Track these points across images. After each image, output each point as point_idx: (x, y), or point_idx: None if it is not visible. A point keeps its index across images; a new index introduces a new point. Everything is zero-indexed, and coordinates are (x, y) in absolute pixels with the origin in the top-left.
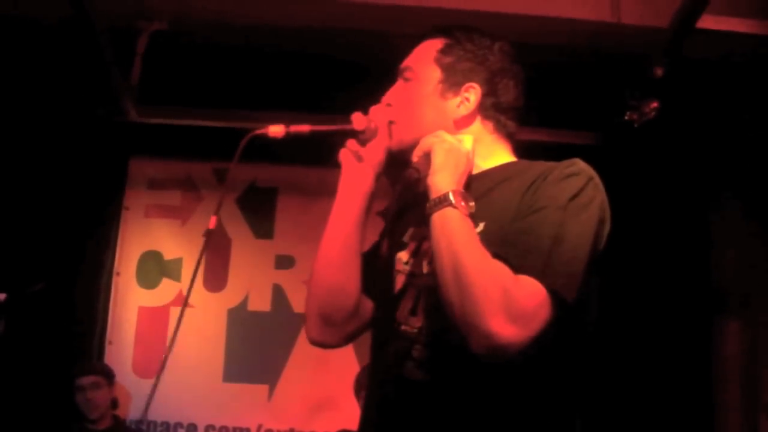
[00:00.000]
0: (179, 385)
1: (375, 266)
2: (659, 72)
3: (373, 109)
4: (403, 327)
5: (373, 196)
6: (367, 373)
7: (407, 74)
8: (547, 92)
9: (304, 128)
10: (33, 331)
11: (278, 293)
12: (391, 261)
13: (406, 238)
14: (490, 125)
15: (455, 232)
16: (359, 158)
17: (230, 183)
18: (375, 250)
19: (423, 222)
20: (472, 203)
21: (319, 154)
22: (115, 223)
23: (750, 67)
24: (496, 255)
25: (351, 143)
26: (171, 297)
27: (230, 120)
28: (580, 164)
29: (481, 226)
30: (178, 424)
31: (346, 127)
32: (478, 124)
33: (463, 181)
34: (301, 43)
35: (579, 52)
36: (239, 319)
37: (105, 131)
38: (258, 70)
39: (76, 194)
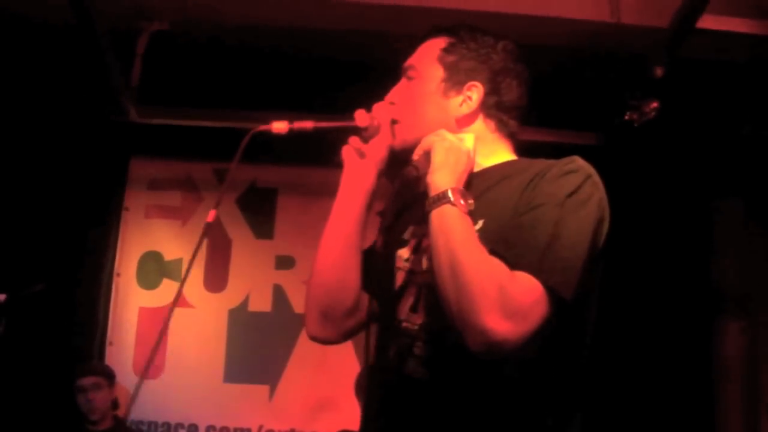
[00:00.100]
0: (180, 385)
1: (375, 263)
2: (659, 72)
3: (377, 107)
4: (404, 324)
5: (374, 194)
6: (369, 370)
7: (410, 73)
8: (547, 92)
9: (308, 125)
10: (33, 331)
11: (279, 294)
12: (391, 258)
13: (406, 235)
14: (492, 124)
15: (453, 230)
16: (362, 155)
17: (231, 178)
18: (375, 247)
19: (423, 219)
20: (471, 201)
21: (320, 155)
22: (116, 224)
23: (750, 66)
24: (493, 252)
25: (354, 140)
26: (171, 297)
27: (231, 120)
28: (578, 161)
29: (480, 223)
30: (179, 425)
31: (349, 124)
32: (480, 123)
33: (463, 179)
34: (301, 44)
35: (579, 52)
36: (240, 319)
37: (105, 131)
38: (258, 70)
39: (76, 194)
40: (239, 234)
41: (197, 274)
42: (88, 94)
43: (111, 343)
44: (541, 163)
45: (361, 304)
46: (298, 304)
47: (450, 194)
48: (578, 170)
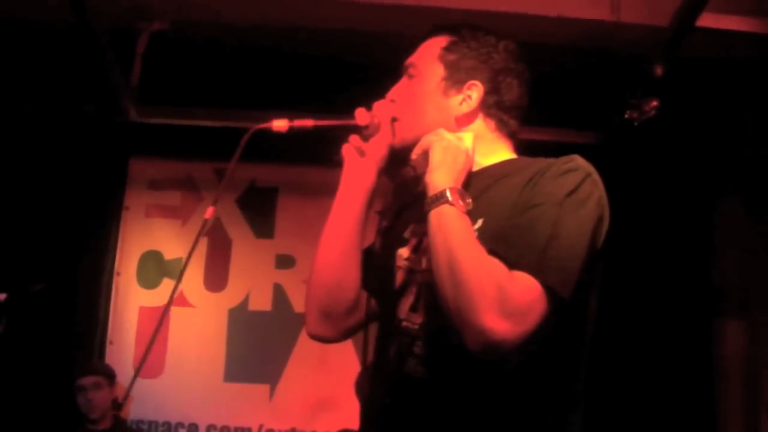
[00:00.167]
0: (180, 385)
1: (376, 262)
2: (659, 70)
3: (377, 105)
4: (404, 323)
5: (374, 192)
6: (369, 369)
7: (411, 71)
8: (547, 91)
9: (308, 123)
10: (33, 331)
11: (279, 293)
12: (391, 257)
13: (407, 235)
14: (491, 123)
15: (451, 229)
16: (362, 153)
17: (230, 175)
18: (375, 245)
19: (423, 218)
20: (469, 200)
21: (320, 154)
22: (116, 224)
23: (750, 65)
24: (492, 251)
25: (354, 138)
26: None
27: (231, 120)
28: (578, 160)
29: (480, 222)
30: (179, 424)
31: (350, 122)
32: (479, 122)
33: (461, 178)
34: (301, 43)
35: (579, 51)
36: (240, 318)
37: (105, 131)
38: (258, 69)
39: (76, 194)
40: (239, 233)
41: (197, 274)
42: (88, 94)
43: (111, 343)
44: (540, 162)
45: (361, 302)
46: (298, 304)
47: (448, 194)
48: (577, 169)
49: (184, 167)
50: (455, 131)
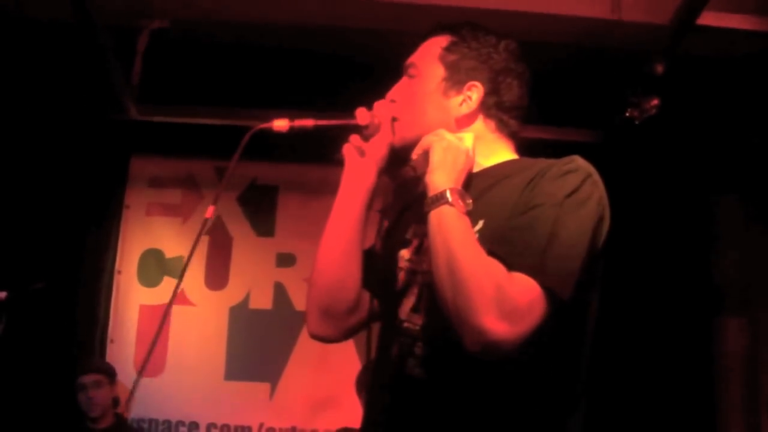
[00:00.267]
0: (181, 383)
1: (377, 262)
2: (660, 69)
3: (377, 105)
4: (405, 324)
5: (375, 192)
6: (370, 369)
7: (411, 71)
8: (547, 89)
9: (308, 123)
10: (34, 329)
11: (280, 291)
12: (393, 258)
13: (408, 236)
14: (492, 124)
15: (451, 230)
16: (362, 153)
17: (230, 175)
18: (377, 245)
19: (425, 219)
20: (470, 201)
21: (320, 152)
22: (116, 222)
23: (751, 63)
24: (491, 252)
25: (354, 138)
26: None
27: (231, 118)
28: (578, 161)
29: (480, 223)
30: (180, 423)
31: (350, 122)
32: (480, 123)
33: (461, 179)
34: (301, 41)
35: (580, 49)
36: (241, 317)
37: (106, 130)
38: (259, 68)
39: (77, 193)
40: (240, 231)
41: (198, 272)
42: (88, 92)
43: (112, 341)
44: (541, 163)
45: (362, 302)
46: (299, 302)
47: (448, 194)
48: (578, 170)
49: (185, 165)
50: (455, 132)
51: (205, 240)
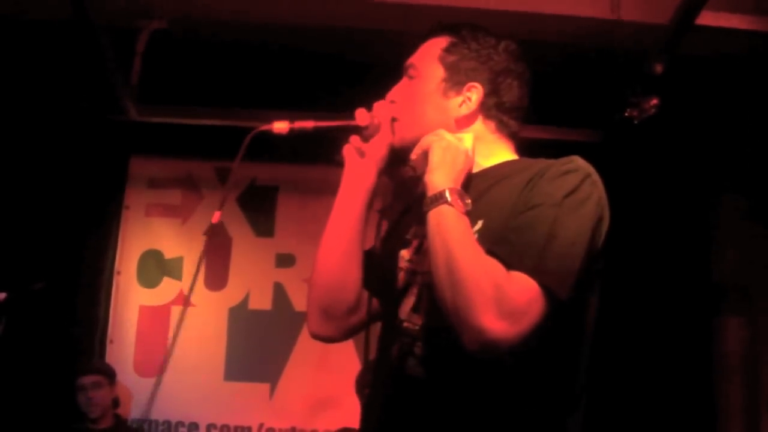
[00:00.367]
0: (180, 384)
1: (377, 262)
2: (659, 69)
3: (377, 106)
4: (405, 324)
5: (375, 192)
6: (371, 369)
7: (411, 72)
8: (547, 89)
9: (308, 124)
10: (33, 330)
11: (279, 292)
12: (394, 258)
13: (409, 236)
14: (491, 125)
15: (450, 230)
16: (362, 154)
17: (233, 179)
18: (378, 245)
19: (424, 220)
20: (469, 201)
21: (320, 152)
22: (116, 223)
23: (749, 63)
24: (490, 252)
25: (354, 139)
26: (172, 296)
27: (231, 118)
28: (577, 161)
29: (480, 223)
30: (180, 423)
31: (350, 123)
32: (479, 124)
33: (461, 179)
34: (301, 41)
35: (579, 49)
36: (240, 317)
37: (105, 130)
38: (258, 68)
39: (76, 193)
40: (239, 232)
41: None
42: (88, 93)
43: (111, 342)
44: (540, 163)
45: (363, 302)
46: (298, 302)
47: (447, 194)
48: (577, 170)
49: (185, 166)
50: (455, 132)
51: (204, 240)
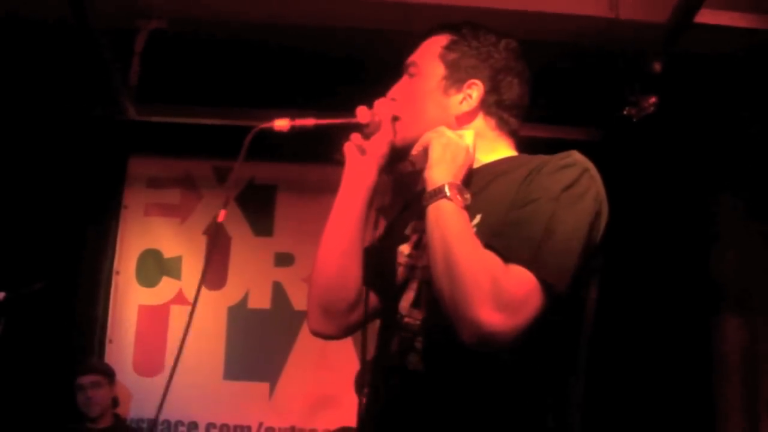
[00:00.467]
0: (180, 383)
1: (377, 258)
2: (658, 67)
3: (378, 103)
4: (405, 319)
5: (375, 190)
6: (371, 365)
7: (412, 70)
8: (545, 88)
9: (309, 122)
10: (33, 330)
11: (278, 291)
12: (393, 253)
13: (407, 231)
14: (492, 122)
15: (449, 224)
16: (363, 152)
17: (234, 177)
18: (377, 242)
19: (423, 215)
20: (468, 196)
21: (319, 152)
22: (115, 222)
23: (748, 61)
24: (488, 246)
25: (355, 137)
26: (171, 295)
27: (230, 118)
28: (575, 156)
29: (478, 218)
30: (179, 422)
31: (351, 120)
32: (480, 121)
33: (461, 174)
34: (301, 41)
35: (577, 47)
36: (239, 316)
37: (104, 130)
38: (257, 67)
39: (75, 193)
40: (238, 231)
41: (196, 272)
42: (86, 92)
43: (111, 341)
44: (538, 158)
45: (363, 299)
46: (297, 301)
47: (447, 189)
48: (575, 164)
49: (183, 165)
50: (456, 129)
51: (203, 240)
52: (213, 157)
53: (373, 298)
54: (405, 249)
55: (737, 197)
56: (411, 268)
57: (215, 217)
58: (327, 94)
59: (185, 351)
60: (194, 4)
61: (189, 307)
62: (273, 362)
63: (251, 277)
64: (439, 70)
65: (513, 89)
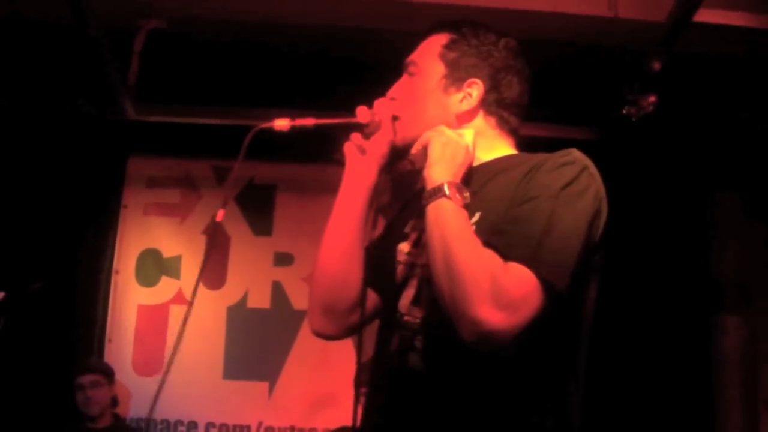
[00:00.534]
0: (179, 382)
1: (376, 257)
2: (657, 66)
3: (378, 103)
4: (405, 317)
5: (376, 190)
6: (371, 363)
7: (411, 69)
8: (544, 87)
9: (309, 122)
10: (32, 329)
11: (277, 290)
12: (392, 251)
13: (407, 229)
14: (492, 120)
15: (448, 223)
16: (363, 151)
17: (234, 177)
18: (376, 241)
19: (423, 213)
20: (467, 194)
21: (317, 151)
22: (114, 222)
23: (747, 60)
24: (487, 244)
25: (355, 137)
26: (170, 295)
27: (229, 117)
28: (575, 153)
29: (477, 216)
30: (179, 422)
31: (351, 120)
32: (480, 119)
33: (460, 173)
34: (300, 40)
35: (576, 47)
36: (239, 316)
37: (103, 129)
38: (257, 67)
39: (74, 193)
40: (238, 231)
41: (196, 272)
42: (85, 92)
43: (110, 341)
44: (538, 156)
45: (364, 299)
46: (297, 301)
47: (446, 188)
48: (574, 162)
49: (183, 165)
50: (456, 128)
51: (202, 239)
52: (212, 157)
53: (374, 298)
54: (404, 247)
55: (736, 196)
56: (411, 266)
57: (214, 216)
58: (327, 94)
59: (185, 350)
60: (194, 4)
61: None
62: (272, 362)
63: (251, 277)
64: (439, 69)
65: (513, 88)
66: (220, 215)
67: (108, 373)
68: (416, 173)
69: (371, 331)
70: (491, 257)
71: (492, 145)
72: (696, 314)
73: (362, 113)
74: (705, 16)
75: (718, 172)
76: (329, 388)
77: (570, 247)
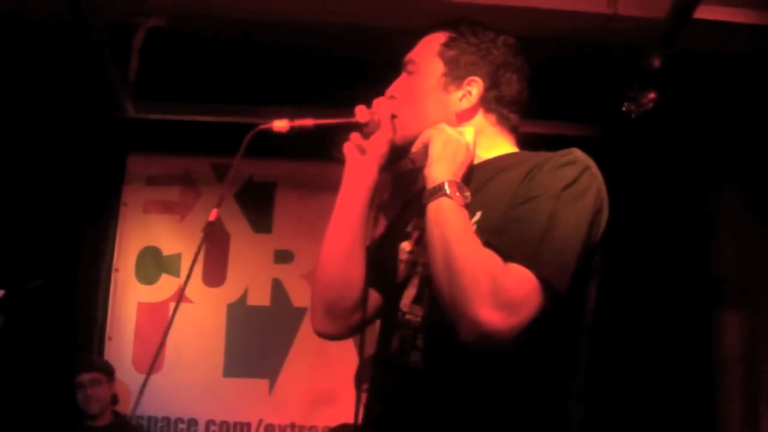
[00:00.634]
0: (179, 380)
1: (378, 256)
2: (657, 63)
3: (377, 102)
4: (407, 316)
5: (376, 189)
6: (372, 361)
7: (410, 67)
8: (544, 84)
9: (308, 122)
10: (32, 327)
11: (277, 288)
12: (394, 250)
13: (409, 228)
14: (492, 118)
15: (448, 222)
16: (362, 151)
17: (232, 177)
18: (377, 240)
19: (424, 212)
20: (468, 193)
21: (317, 149)
22: (114, 220)
23: (747, 57)
24: (488, 243)
25: (354, 136)
26: (170, 292)
27: (229, 115)
28: (576, 153)
29: (478, 215)
30: (179, 419)
31: (350, 120)
32: (480, 117)
33: (461, 172)
34: (299, 38)
35: (576, 43)
36: (239, 313)
37: (103, 127)
38: (256, 65)
39: (74, 191)
40: (237, 228)
41: (196, 269)
42: (85, 90)
43: (110, 339)
44: (539, 156)
45: (366, 299)
46: (296, 298)
47: (447, 187)
48: (575, 162)
49: (182, 163)
50: (456, 126)
51: (202, 237)
52: (212, 155)
53: (376, 297)
54: (406, 246)
55: (737, 194)
56: (412, 264)
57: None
58: (326, 92)
59: (185, 348)
60: (193, 2)
61: (188, 305)
62: (273, 359)
63: (251, 274)
64: (438, 67)
65: (512, 85)
66: (213, 215)
67: (108, 371)
68: (417, 172)
69: (372, 330)
70: (491, 257)
71: (492, 142)
72: (696, 310)
73: (361, 113)
74: (705, 12)
75: (718, 170)
76: (329, 386)
77: (571, 248)
